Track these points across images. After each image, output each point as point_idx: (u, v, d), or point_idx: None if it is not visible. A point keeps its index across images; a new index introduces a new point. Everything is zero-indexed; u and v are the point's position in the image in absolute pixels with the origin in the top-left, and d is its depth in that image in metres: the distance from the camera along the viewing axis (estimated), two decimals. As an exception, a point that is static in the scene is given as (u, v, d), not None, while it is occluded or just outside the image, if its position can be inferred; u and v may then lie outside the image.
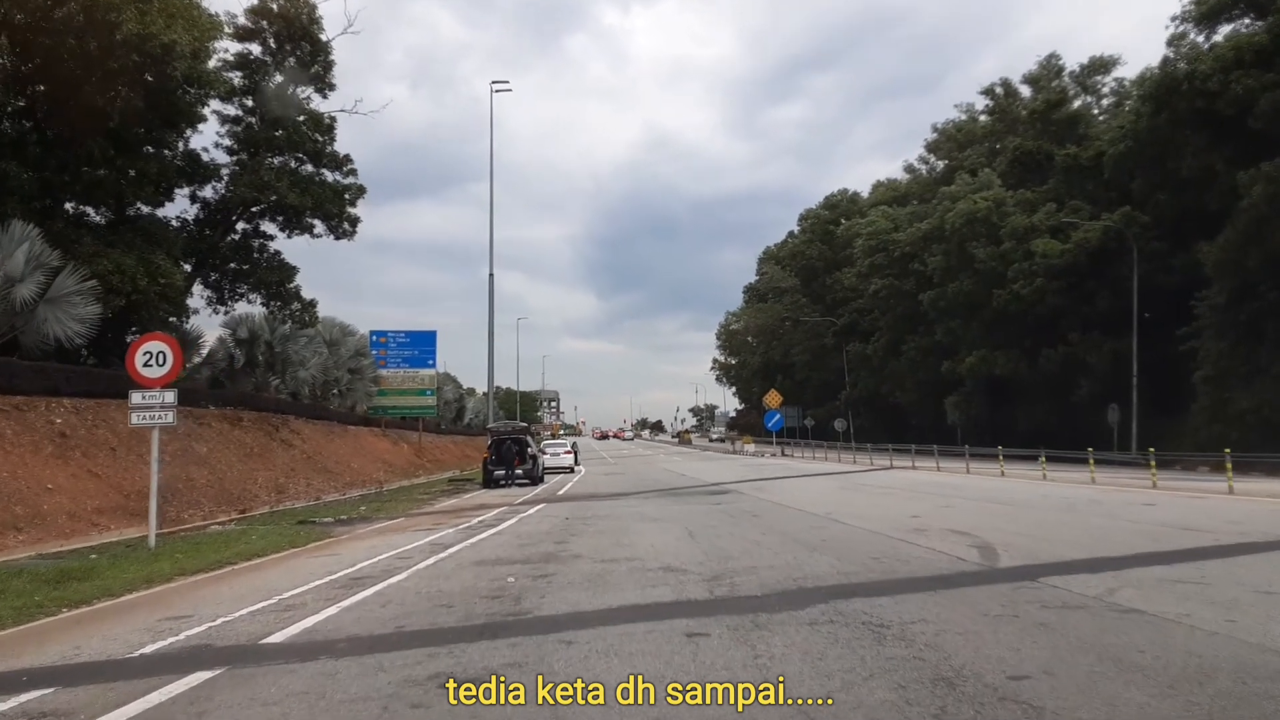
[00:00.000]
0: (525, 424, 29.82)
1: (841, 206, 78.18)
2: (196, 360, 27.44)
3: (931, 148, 67.95)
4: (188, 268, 27.26)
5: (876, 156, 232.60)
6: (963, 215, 44.53)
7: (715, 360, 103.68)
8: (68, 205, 24.32)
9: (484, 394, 78.97)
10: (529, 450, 26.19)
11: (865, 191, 79.25)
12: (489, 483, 25.40)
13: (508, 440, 25.85)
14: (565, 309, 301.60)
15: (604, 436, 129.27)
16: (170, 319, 25.26)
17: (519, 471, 25.27)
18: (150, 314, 22.76)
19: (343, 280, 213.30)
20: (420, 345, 43.55)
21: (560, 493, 21.73)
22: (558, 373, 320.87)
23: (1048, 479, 20.57)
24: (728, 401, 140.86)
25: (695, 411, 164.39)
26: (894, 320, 57.22)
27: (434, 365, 44.10)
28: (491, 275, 37.22)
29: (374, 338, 42.77)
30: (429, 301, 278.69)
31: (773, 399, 47.53)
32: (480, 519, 14.82)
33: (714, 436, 65.40)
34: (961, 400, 49.77)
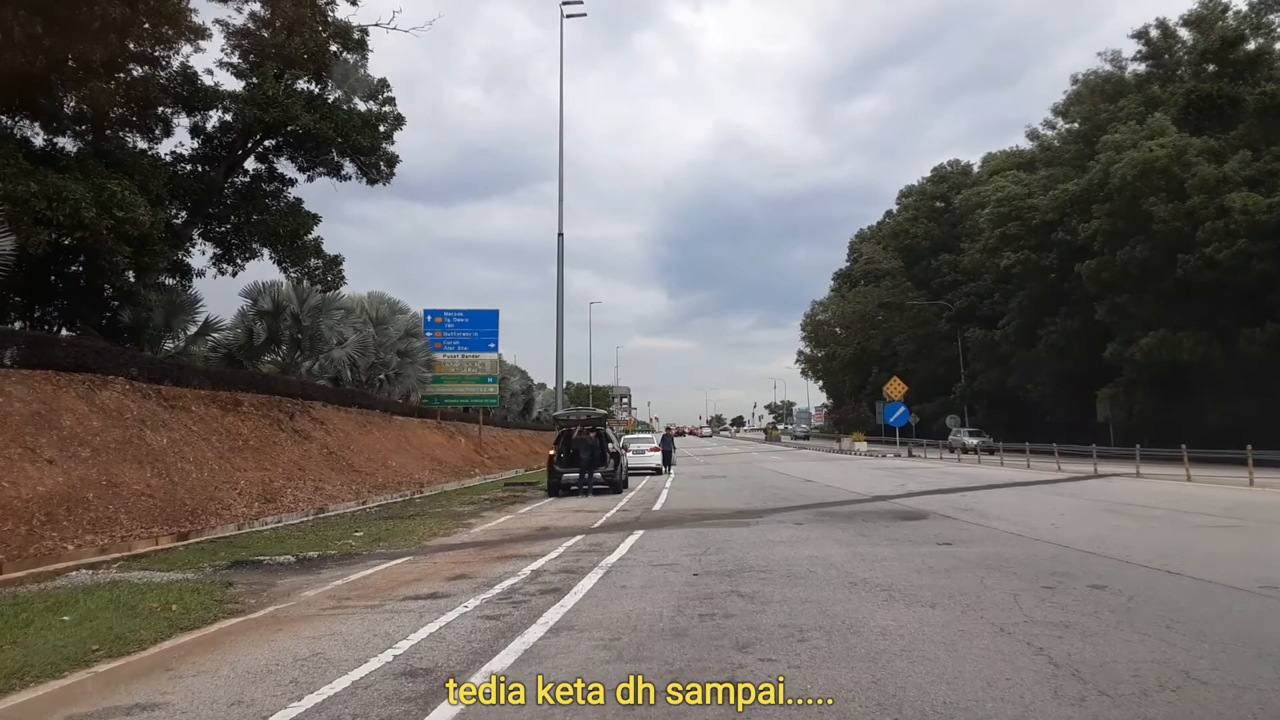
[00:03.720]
0: (603, 412, 23.29)
1: (952, 179, 69.59)
2: (191, 330, 21.66)
3: (1062, 110, 58.82)
4: (184, 215, 21.61)
5: (956, 151, 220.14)
6: (1135, 166, 36.19)
7: (800, 353, 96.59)
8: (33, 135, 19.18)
9: (553, 389, 72.99)
10: (609, 446, 19.56)
11: (976, 165, 70.67)
12: (556, 489, 18.96)
13: (581, 433, 19.28)
14: (635, 307, 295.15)
15: (680, 434, 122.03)
16: (149, 272, 19.59)
17: (596, 475, 18.69)
18: (108, 260, 17.00)
19: (416, 279, 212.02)
20: (480, 326, 37.49)
21: (657, 507, 15.10)
22: (629, 370, 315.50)
23: None
24: (811, 397, 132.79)
25: (772, 408, 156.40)
26: (1028, 301, 48.80)
27: (496, 349, 37.96)
28: (561, 235, 31.02)
29: (428, 317, 36.83)
30: (500, 299, 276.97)
31: (895, 389, 40.04)
32: (534, 566, 8.29)
33: (797, 434, 56.28)
34: (1119, 393, 41.32)
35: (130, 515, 11.79)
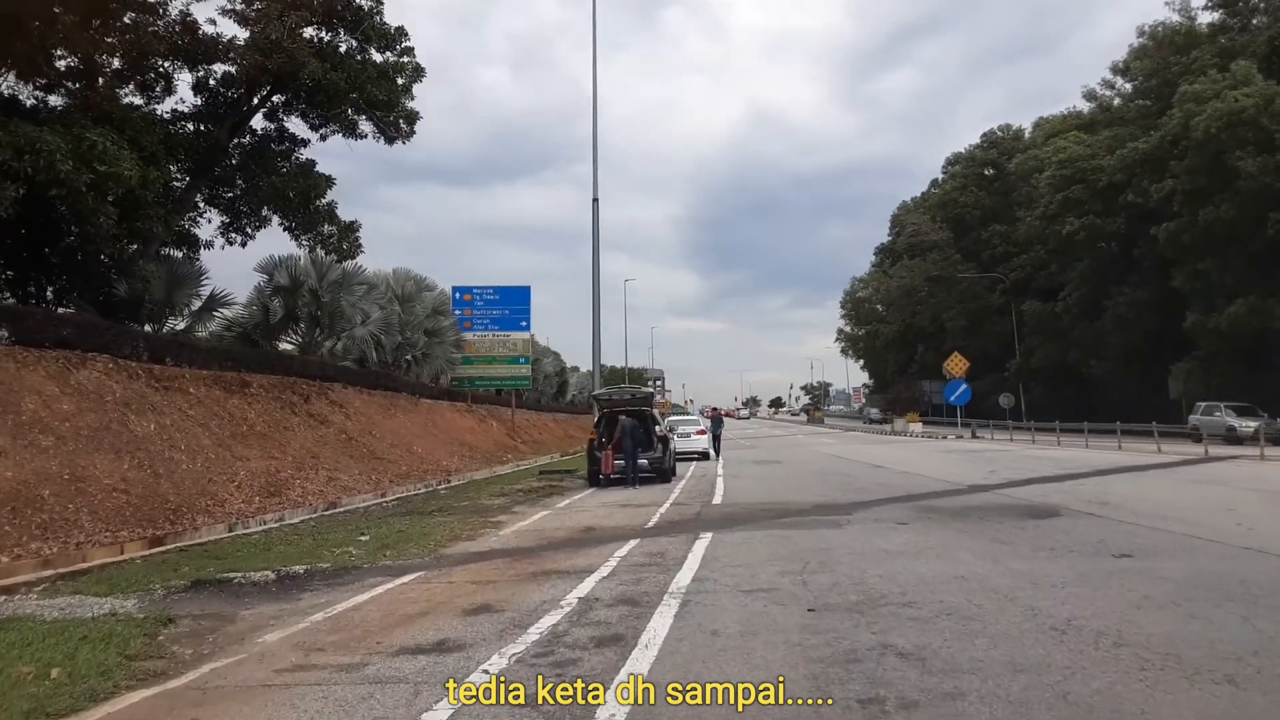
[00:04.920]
0: (649, 390, 21.01)
1: (1003, 145, 66.02)
2: (196, 305, 19.77)
3: (1123, 67, 55.03)
4: (186, 179, 19.75)
5: (992, 124, 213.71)
6: (1220, 117, 33.06)
7: (840, 331, 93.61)
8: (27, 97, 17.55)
9: (587, 372, 71.12)
10: (656, 430, 17.38)
11: (1027, 130, 66.93)
12: (597, 478, 16.83)
13: (625, 415, 17.11)
14: (668, 289, 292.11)
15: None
16: (146, 240, 17.73)
17: (643, 462, 16.52)
18: (92, 222, 15.08)
19: (446, 263, 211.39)
20: (511, 303, 35.43)
21: (717, 501, 12.90)
22: (661, 352, 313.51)
23: None
24: (851, 378, 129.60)
25: (808, 389, 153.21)
26: (1092, 270, 45.64)
27: (528, 327, 35.85)
28: (595, 200, 28.72)
29: (456, 294, 34.81)
30: (530, 282, 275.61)
31: (956, 365, 37.41)
32: (581, 591, 6.16)
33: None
34: (1196, 367, 38.30)
35: (95, 516, 9.86)
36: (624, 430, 16.36)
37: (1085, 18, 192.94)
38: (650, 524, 10.29)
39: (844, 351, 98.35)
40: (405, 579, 7.09)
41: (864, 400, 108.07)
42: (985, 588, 5.76)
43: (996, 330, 58.31)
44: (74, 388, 12.38)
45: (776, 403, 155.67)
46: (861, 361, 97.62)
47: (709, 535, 8.86)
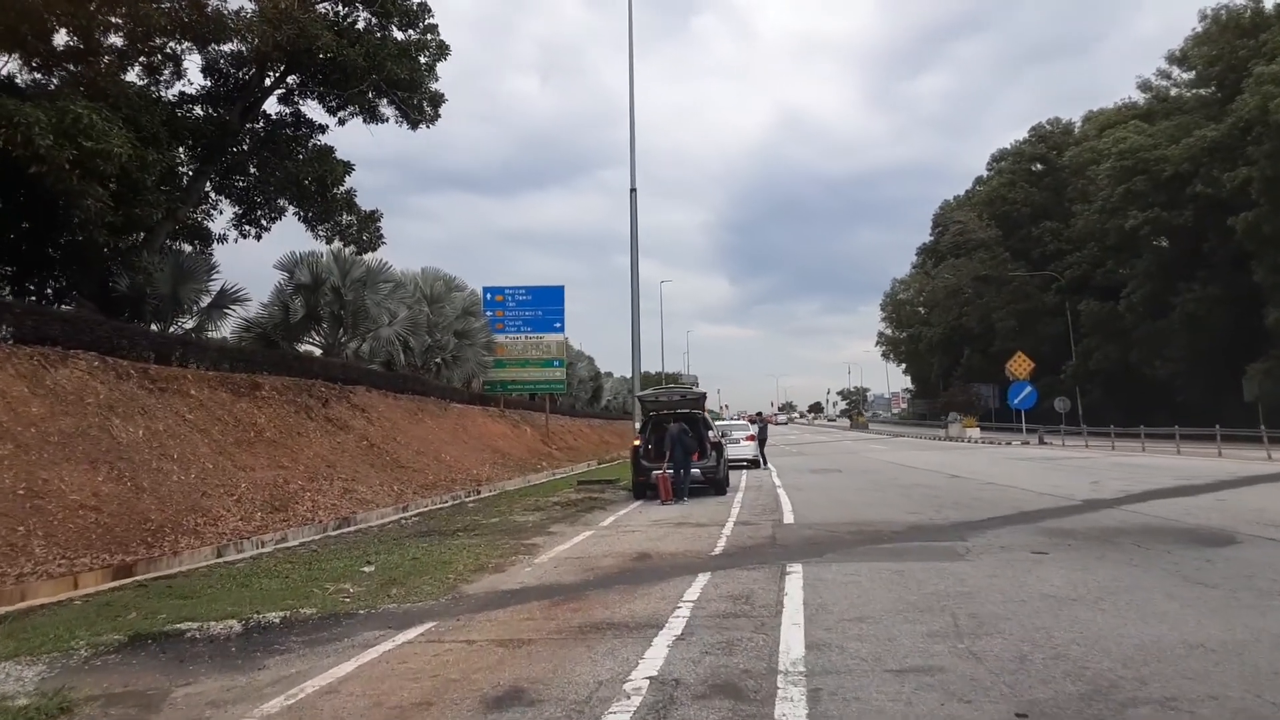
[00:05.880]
0: (701, 390, 19.00)
1: (1053, 138, 63.30)
2: (205, 301, 18.25)
3: (1180, 55, 52.16)
4: (194, 165, 18.32)
5: (1027, 125, 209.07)
6: (1304, 97, 30.59)
7: (880, 334, 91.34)
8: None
9: (621, 377, 69.31)
10: (709, 435, 15.45)
11: (1077, 124, 64.05)
12: (643, 490, 14.91)
13: (673, 420, 15.17)
14: (698, 294, 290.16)
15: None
16: (151, 231, 16.30)
17: (695, 471, 14.57)
18: (78, 205, 13.56)
19: (475, 270, 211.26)
20: (545, 304, 33.74)
21: (788, 520, 10.94)
22: (694, 358, 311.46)
23: None
24: (891, 381, 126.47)
25: (845, 394, 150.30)
26: (1157, 266, 42.95)
27: (562, 329, 34.13)
28: (633, 191, 26.93)
29: (487, 295, 33.23)
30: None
31: (1019, 366, 34.99)
32: (649, 666, 4.29)
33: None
34: (1276, 366, 35.62)
35: (50, 540, 8.21)
36: (673, 439, 14.38)
37: (1115, 16, 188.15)
38: (717, 550, 8.43)
39: (885, 355, 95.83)
40: (409, 634, 5.30)
41: (904, 405, 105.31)
42: (1255, 666, 3.83)
43: (1049, 331, 55.70)
44: (48, 388, 10.80)
45: (816, 408, 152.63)
46: (904, 365, 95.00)
47: (798, 568, 6.98)
